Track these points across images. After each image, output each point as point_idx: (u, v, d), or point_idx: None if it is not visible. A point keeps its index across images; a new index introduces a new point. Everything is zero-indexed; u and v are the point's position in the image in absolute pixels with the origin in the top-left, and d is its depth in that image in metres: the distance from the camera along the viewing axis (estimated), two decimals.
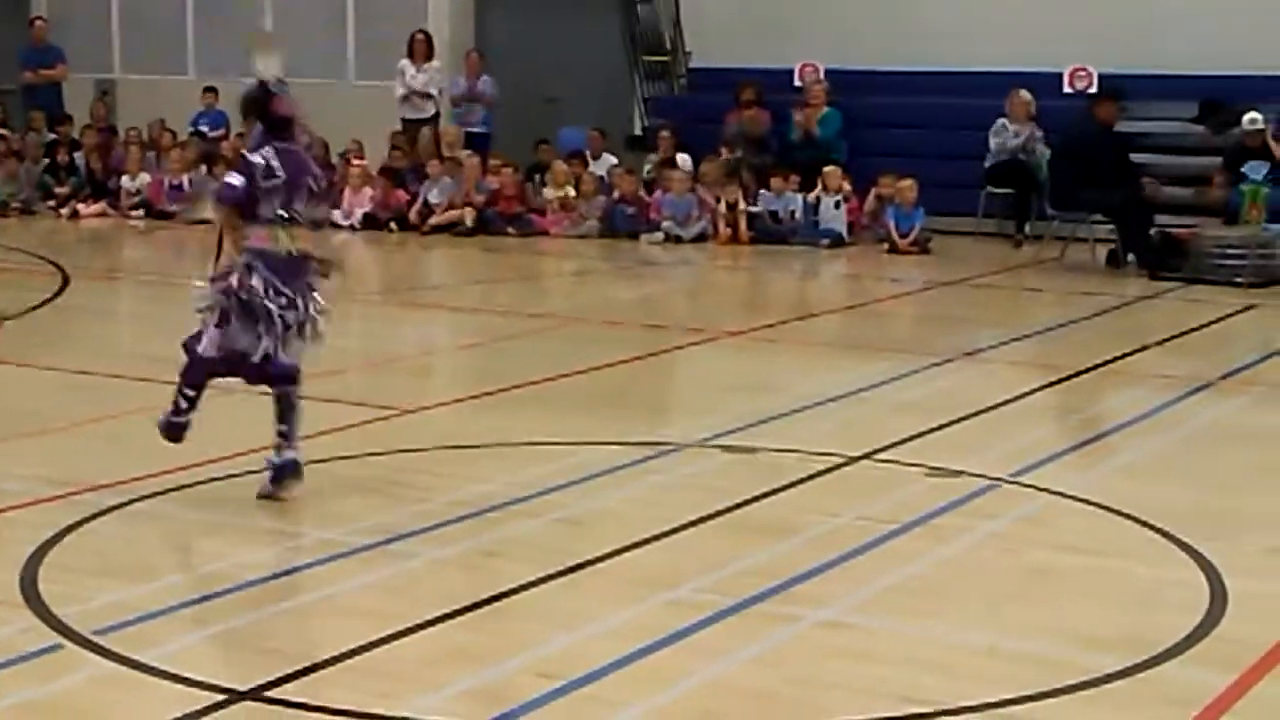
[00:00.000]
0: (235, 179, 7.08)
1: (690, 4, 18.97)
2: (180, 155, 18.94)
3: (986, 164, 16.92)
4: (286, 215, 7.05)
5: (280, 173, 7.02)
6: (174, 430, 7.31)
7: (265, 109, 7.15)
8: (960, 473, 7.60)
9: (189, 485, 7.28)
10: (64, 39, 21.13)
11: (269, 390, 7.26)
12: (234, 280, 7.05)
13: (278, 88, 7.17)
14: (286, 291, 7.11)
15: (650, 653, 5.34)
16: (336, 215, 17.87)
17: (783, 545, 6.55)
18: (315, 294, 7.25)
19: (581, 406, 9.27)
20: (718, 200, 16.92)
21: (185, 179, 18.66)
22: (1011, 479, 7.54)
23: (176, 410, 7.28)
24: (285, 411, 7.21)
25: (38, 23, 21.24)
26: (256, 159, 7.05)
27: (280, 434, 7.16)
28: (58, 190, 19.18)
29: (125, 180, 19.07)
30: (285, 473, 7.13)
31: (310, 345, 7.29)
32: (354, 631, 5.43)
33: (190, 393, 7.29)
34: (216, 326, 7.15)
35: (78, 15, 21.64)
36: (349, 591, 5.95)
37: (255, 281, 7.04)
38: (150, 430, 8.03)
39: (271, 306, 7.07)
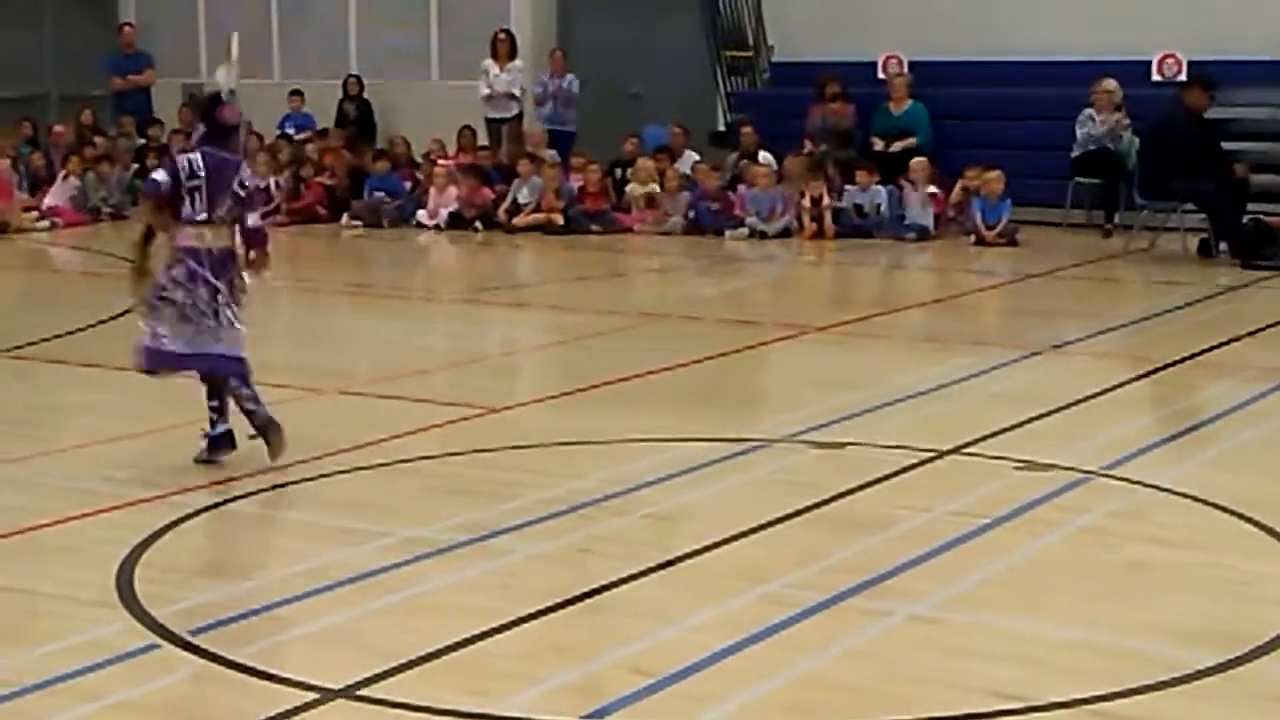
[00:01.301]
0: (160, 175, 7.70)
1: None
2: (267, 158, 19.10)
3: (1073, 154, 16.76)
4: (208, 215, 7.61)
5: (201, 174, 7.59)
6: (217, 446, 7.82)
7: (211, 115, 7.81)
8: (1051, 466, 7.54)
9: (281, 485, 7.35)
10: (152, 44, 21.39)
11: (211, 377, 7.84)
12: (161, 277, 7.69)
13: (228, 98, 7.78)
14: (213, 283, 7.63)
15: (743, 648, 5.33)
16: (421, 215, 18.02)
17: (873, 540, 6.52)
18: (237, 287, 7.75)
19: (669, 403, 9.27)
20: (802, 195, 16.86)
21: (271, 181, 18.80)
22: (1104, 472, 7.47)
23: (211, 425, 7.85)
24: (218, 390, 7.82)
25: (126, 29, 21.52)
26: (182, 160, 7.69)
27: (213, 409, 7.81)
28: None
29: None
30: (222, 443, 7.78)
31: (240, 334, 7.75)
32: (448, 628, 5.46)
33: (213, 403, 7.84)
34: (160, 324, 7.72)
35: (165, 21, 21.88)
36: (442, 589, 5.98)
37: (179, 274, 7.63)
38: (241, 431, 8.12)
39: (192, 300, 7.62)
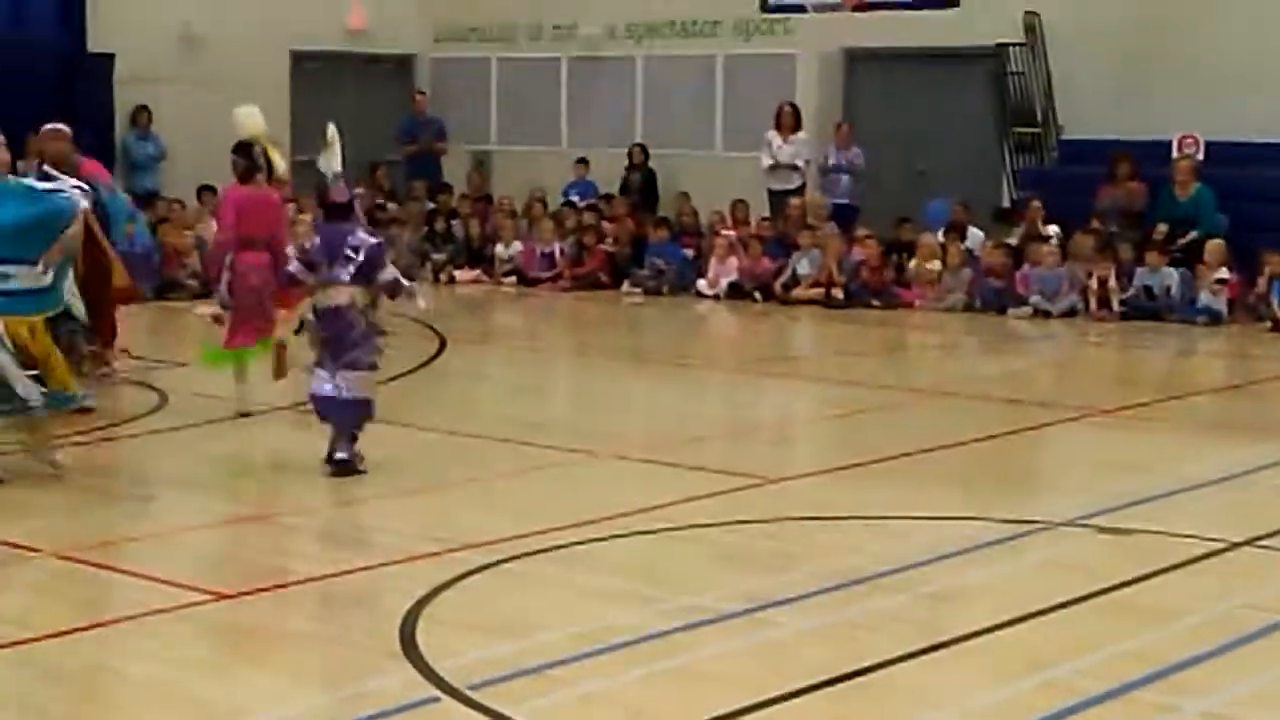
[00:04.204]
0: (294, 266, 9.15)
1: (1063, 75, 18.63)
2: (551, 225, 19.46)
3: None
4: (327, 277, 8.87)
5: (318, 249, 8.93)
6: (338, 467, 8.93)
7: (322, 198, 9.18)
8: None
9: (561, 546, 7.41)
10: (443, 112, 22.01)
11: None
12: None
13: (333, 181, 9.04)
14: (324, 337, 8.90)
15: None
16: (701, 284, 18.13)
17: (1162, 631, 6.30)
18: (357, 333, 8.91)
19: (947, 481, 9.13)
20: (1090, 275, 16.52)
21: (556, 248, 19.15)
22: None
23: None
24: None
25: (419, 96, 22.19)
26: (307, 245, 9.18)
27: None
28: (435, 257, 19.91)
29: (499, 248, 19.69)
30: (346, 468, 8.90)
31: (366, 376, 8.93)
32: (717, 699, 5.43)
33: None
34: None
35: (458, 89, 22.49)
36: (714, 658, 5.96)
37: (309, 331, 9.00)
38: (521, 490, 8.28)
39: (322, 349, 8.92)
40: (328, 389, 8.88)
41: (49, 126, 11.26)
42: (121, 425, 10.32)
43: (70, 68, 19.14)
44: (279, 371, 10.36)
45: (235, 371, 10.69)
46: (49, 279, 8.96)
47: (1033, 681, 5.71)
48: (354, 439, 8.96)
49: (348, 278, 8.82)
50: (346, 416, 8.93)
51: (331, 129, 9.33)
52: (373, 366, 9.00)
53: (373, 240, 9.04)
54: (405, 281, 9.20)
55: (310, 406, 9.11)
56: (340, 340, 8.86)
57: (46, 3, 19.44)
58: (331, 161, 9.11)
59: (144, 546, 7.46)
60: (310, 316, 9.01)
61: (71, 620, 6.35)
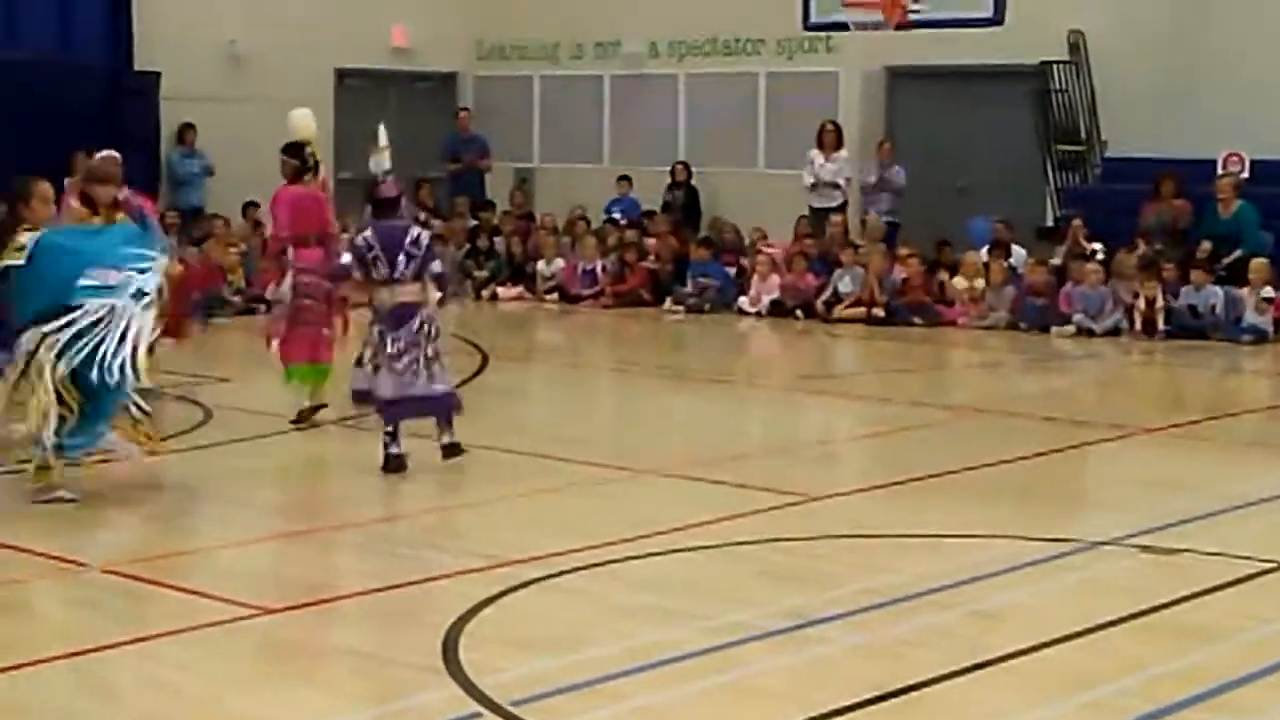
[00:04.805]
0: (345, 258, 9.53)
1: (1107, 93, 18.57)
2: (593, 242, 19.49)
3: None
4: (389, 276, 9.20)
5: (375, 246, 9.21)
6: (390, 463, 9.25)
7: (372, 195, 9.49)
8: None
9: (603, 563, 7.42)
10: (486, 129, 22.07)
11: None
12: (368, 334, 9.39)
13: (382, 177, 9.45)
14: (396, 336, 9.19)
15: None
16: (743, 301, 18.13)
17: (1208, 651, 6.26)
18: (427, 333, 9.29)
19: (990, 500, 9.10)
20: (1136, 295, 16.44)
21: (598, 265, 19.17)
22: None
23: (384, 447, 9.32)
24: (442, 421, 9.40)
25: (463, 114, 22.26)
26: (359, 241, 9.37)
27: (388, 434, 9.32)
28: (478, 274, 19.97)
29: (541, 265, 19.73)
30: (457, 450, 9.35)
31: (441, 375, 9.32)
32: (764, 714, 5.45)
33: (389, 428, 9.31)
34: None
35: (500, 107, 22.55)
36: (760, 674, 5.95)
37: (373, 332, 9.32)
38: (564, 507, 8.29)
39: (387, 349, 9.20)
40: (418, 388, 9.22)
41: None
42: (166, 441, 10.36)
43: (116, 87, 19.28)
44: (305, 419, 10.77)
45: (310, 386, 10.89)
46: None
47: (1077, 701, 5.68)
48: (450, 421, 9.40)
49: (411, 274, 9.25)
50: (444, 406, 9.39)
51: (382, 130, 9.71)
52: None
53: (428, 233, 9.59)
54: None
55: (390, 411, 9.31)
56: (416, 338, 9.22)
57: (93, 23, 19.59)
58: (381, 161, 9.54)
59: (190, 561, 7.50)
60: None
61: (117, 634, 6.39)
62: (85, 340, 8.23)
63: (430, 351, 9.27)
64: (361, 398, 9.56)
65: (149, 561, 7.47)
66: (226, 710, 5.59)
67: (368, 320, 9.51)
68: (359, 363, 9.52)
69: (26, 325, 8.34)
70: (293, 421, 10.73)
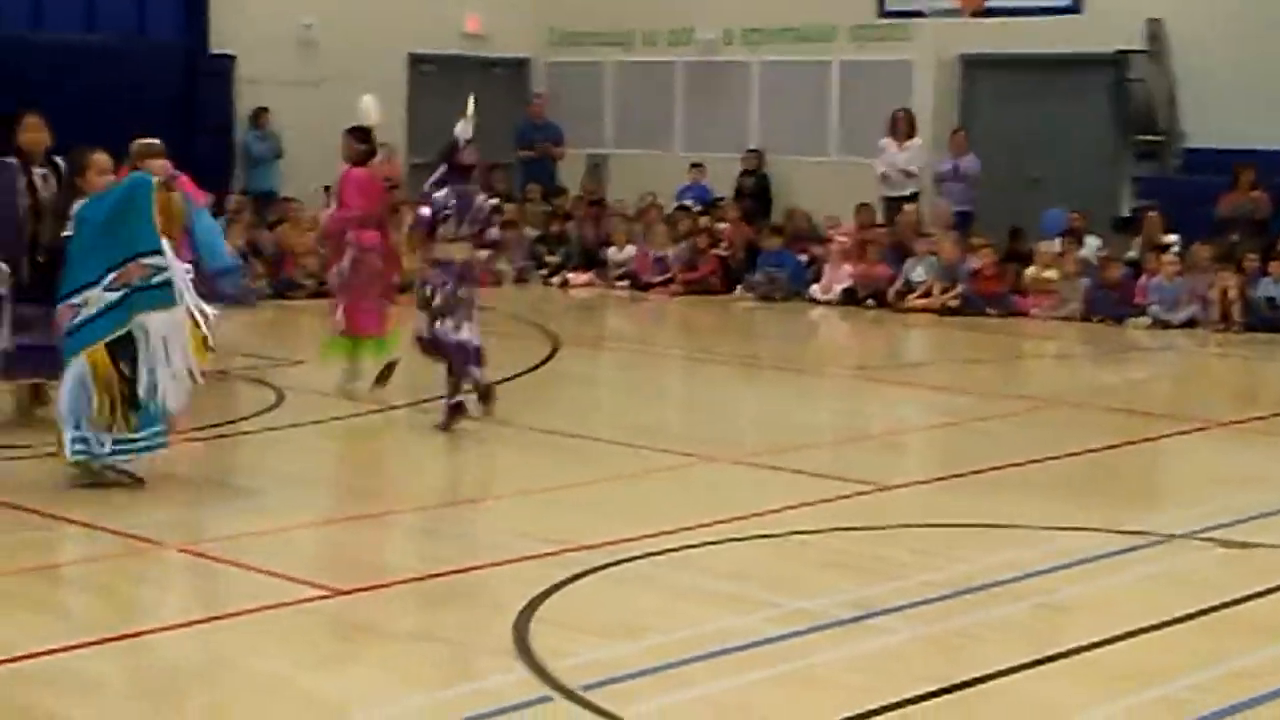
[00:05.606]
0: (425, 211, 10.01)
1: (1186, 82, 18.38)
2: (665, 229, 19.47)
3: None
4: (454, 235, 9.97)
5: (452, 205, 9.96)
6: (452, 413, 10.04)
7: (451, 157, 10.08)
8: None
9: (674, 550, 7.42)
10: (560, 115, 22.09)
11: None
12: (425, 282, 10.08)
13: (464, 144, 10.07)
14: (458, 288, 9.99)
15: None
16: (815, 290, 18.08)
17: None
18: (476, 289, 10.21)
19: (1061, 492, 9.04)
20: (1212, 286, 16.27)
21: (669, 252, 19.16)
22: None
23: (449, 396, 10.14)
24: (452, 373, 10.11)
25: (536, 100, 22.29)
26: (439, 195, 10.00)
27: (451, 384, 10.09)
28: (549, 260, 20.00)
29: (612, 251, 19.73)
30: (460, 410, 10.08)
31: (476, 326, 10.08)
32: (832, 704, 5.42)
33: (451, 379, 10.09)
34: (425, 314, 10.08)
35: (573, 93, 22.56)
36: (825, 664, 5.94)
37: (435, 279, 10.00)
38: (634, 493, 8.28)
39: (445, 297, 9.96)
40: (478, 340, 10.08)
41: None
42: (239, 423, 10.45)
43: (192, 69, 19.45)
44: (383, 381, 11.08)
45: (349, 357, 11.27)
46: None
47: (1148, 695, 5.64)
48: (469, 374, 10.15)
49: (471, 234, 10.09)
50: (474, 356, 10.12)
51: (471, 101, 10.25)
52: None
53: (491, 201, 10.49)
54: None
55: (457, 357, 10.04)
56: (470, 293, 10.08)
57: (170, 6, 19.77)
58: (467, 129, 10.15)
59: (262, 541, 7.56)
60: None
61: (189, 612, 6.46)
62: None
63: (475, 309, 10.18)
64: (428, 346, 10.17)
65: (222, 541, 7.54)
66: (297, 690, 5.63)
67: (418, 279, 10.28)
68: (423, 306, 10.13)
69: (74, 291, 8.30)
70: (375, 382, 11.14)
